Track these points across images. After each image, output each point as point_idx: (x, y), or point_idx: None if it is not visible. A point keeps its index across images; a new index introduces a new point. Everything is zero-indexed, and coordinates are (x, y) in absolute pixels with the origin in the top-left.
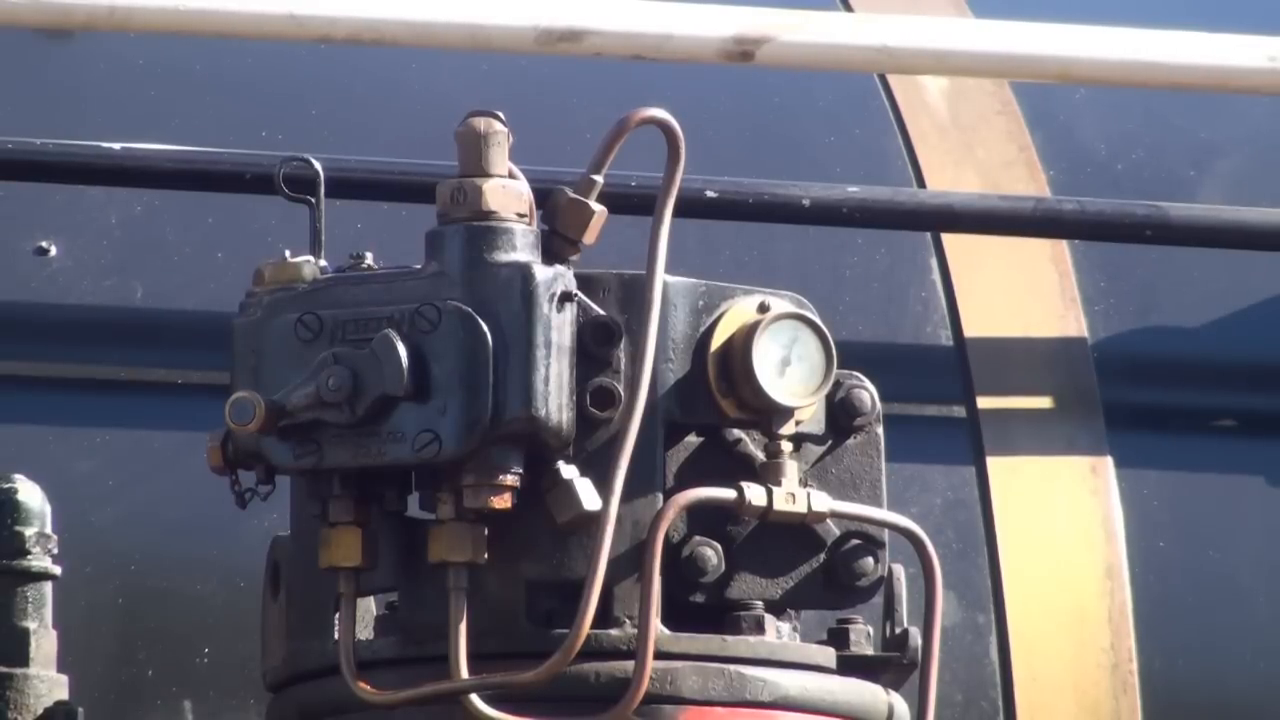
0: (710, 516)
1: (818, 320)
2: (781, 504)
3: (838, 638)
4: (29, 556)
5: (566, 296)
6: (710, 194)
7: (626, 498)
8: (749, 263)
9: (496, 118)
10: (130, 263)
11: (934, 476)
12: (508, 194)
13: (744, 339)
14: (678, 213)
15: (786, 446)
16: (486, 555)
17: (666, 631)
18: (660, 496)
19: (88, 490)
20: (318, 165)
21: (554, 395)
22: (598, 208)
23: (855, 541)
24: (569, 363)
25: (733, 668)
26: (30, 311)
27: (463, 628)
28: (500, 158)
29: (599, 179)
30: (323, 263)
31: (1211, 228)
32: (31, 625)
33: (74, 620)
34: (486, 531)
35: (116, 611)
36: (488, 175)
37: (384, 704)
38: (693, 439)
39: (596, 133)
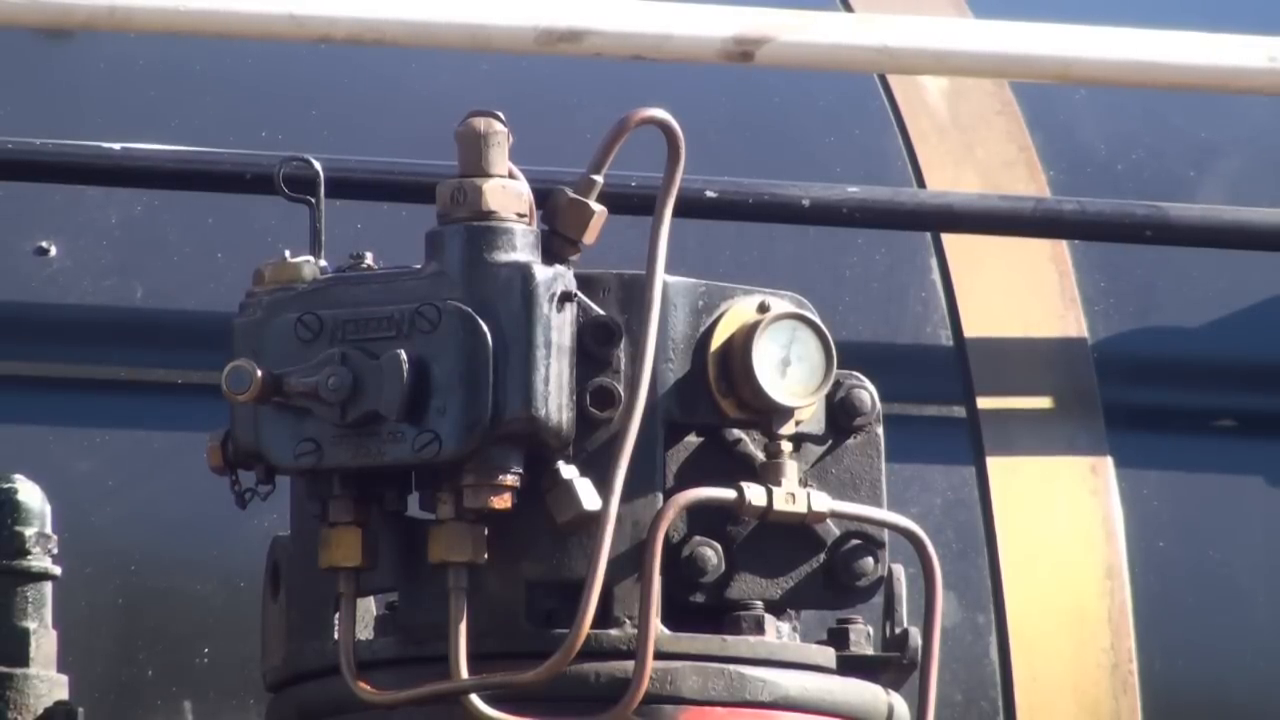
0: (710, 516)
1: (818, 320)
2: (781, 504)
3: (838, 638)
4: (29, 556)
5: (566, 296)
6: (710, 194)
7: (626, 498)
8: (749, 263)
9: (496, 118)
10: (130, 263)
11: (934, 476)
12: (508, 194)
13: (744, 339)
14: (678, 213)
15: (786, 446)
16: (486, 555)
17: (666, 631)
18: (660, 496)
19: (88, 490)
20: (318, 165)
21: (554, 395)
22: (598, 208)
23: (855, 541)
24: (569, 363)
25: (733, 668)
26: (30, 311)
27: (463, 628)
28: (500, 158)
29: (599, 179)
30: (323, 263)
31: (1211, 228)
32: (31, 625)
33: (74, 620)
34: (486, 531)
35: (116, 611)
36: (488, 175)
37: (384, 704)
38: (693, 439)
39: (596, 133)
